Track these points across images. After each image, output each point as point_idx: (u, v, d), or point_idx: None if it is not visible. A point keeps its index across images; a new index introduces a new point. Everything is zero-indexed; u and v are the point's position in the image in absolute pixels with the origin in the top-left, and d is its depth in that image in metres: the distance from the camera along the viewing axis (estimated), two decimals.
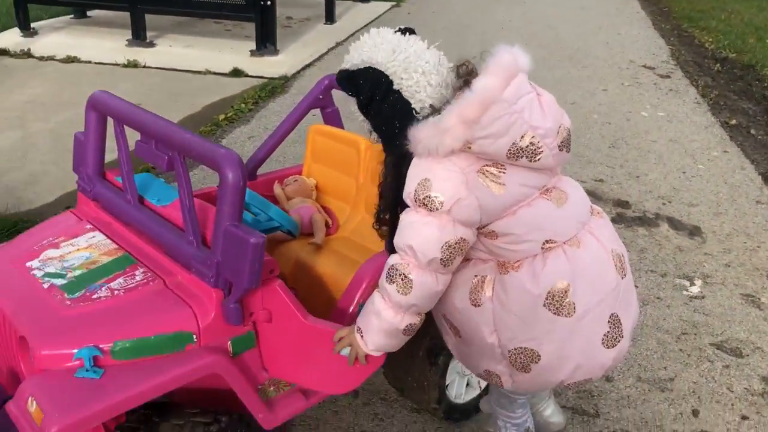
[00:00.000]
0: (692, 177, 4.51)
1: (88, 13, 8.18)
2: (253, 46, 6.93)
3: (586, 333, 1.70)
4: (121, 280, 1.81)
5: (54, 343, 1.63)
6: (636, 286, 3.17)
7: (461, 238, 1.63)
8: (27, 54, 6.79)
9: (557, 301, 1.66)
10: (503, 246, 1.68)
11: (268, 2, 6.66)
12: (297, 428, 2.29)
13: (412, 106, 1.69)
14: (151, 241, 1.95)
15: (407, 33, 1.75)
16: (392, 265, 1.68)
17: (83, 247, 1.95)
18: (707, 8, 10.60)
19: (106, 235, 2.01)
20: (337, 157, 2.55)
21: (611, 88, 6.42)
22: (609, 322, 1.72)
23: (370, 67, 1.70)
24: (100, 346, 1.63)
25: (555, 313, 1.66)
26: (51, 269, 1.86)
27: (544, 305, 1.66)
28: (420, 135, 1.60)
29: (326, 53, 7.26)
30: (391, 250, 1.73)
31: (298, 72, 6.57)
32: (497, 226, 1.66)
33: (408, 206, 1.67)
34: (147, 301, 1.76)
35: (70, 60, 6.67)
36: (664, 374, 2.64)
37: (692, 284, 3.25)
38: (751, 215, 4.00)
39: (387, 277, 1.69)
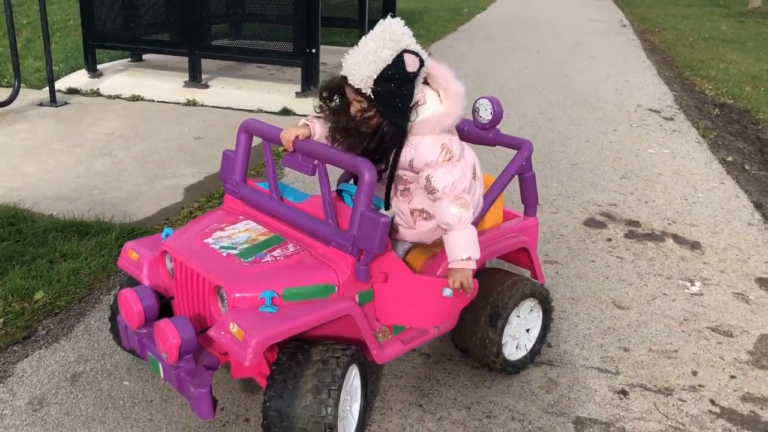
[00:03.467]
0: (693, 203, 5.22)
1: (144, 56, 9.05)
2: (296, 88, 7.71)
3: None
4: (279, 250, 2.52)
5: (243, 289, 2.32)
6: (645, 285, 3.86)
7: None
8: (96, 93, 7.59)
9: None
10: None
11: (313, 50, 7.50)
12: (386, 377, 2.96)
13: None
14: (291, 226, 2.66)
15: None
16: (452, 200, 2.50)
17: (243, 230, 2.67)
18: (707, 59, 11.45)
19: (257, 222, 2.73)
20: None
21: (621, 128, 7.17)
22: None
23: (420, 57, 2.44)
24: (275, 291, 2.34)
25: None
26: (224, 244, 2.57)
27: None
28: (432, 119, 2.48)
29: None
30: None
31: None
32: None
33: (429, 166, 2.50)
34: (301, 263, 2.46)
35: (135, 98, 7.47)
36: (670, 347, 3.31)
37: (693, 285, 3.93)
38: (743, 234, 4.69)
39: (455, 208, 2.49)
